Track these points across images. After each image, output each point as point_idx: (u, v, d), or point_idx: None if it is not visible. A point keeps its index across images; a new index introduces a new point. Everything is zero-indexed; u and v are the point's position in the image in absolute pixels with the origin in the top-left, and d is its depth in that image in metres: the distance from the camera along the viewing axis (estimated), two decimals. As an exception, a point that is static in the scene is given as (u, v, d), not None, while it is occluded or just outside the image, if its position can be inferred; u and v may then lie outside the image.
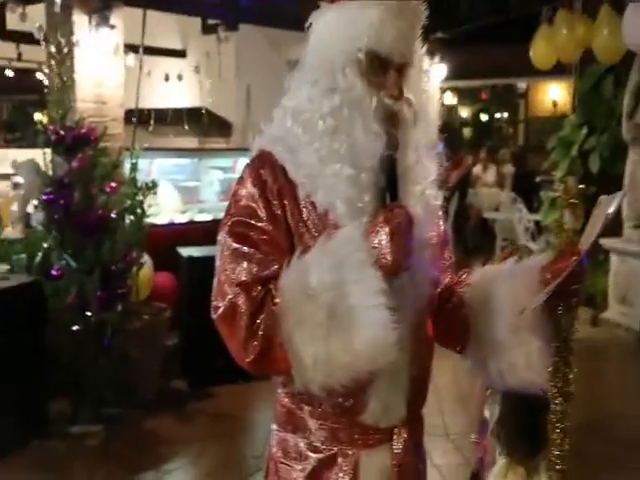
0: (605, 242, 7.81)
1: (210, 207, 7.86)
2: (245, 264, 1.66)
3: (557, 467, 2.04)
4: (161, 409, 5.55)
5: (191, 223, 7.38)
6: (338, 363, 1.54)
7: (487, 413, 3.17)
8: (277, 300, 1.58)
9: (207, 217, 7.57)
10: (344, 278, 1.55)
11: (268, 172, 1.75)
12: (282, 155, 1.76)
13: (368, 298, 1.54)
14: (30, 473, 4.69)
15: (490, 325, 1.85)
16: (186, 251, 6.03)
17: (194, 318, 5.78)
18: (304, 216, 1.74)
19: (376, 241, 1.61)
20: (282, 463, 1.87)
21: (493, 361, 1.87)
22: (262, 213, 1.72)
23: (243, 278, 1.64)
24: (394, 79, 1.73)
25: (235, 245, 1.69)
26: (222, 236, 1.73)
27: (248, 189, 1.75)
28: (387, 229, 1.61)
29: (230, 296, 1.64)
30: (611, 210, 1.73)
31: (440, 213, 1.96)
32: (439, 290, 1.97)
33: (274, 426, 1.92)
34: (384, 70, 1.73)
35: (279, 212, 1.73)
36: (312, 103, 1.74)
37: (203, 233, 6.18)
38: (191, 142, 9.40)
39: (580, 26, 7.35)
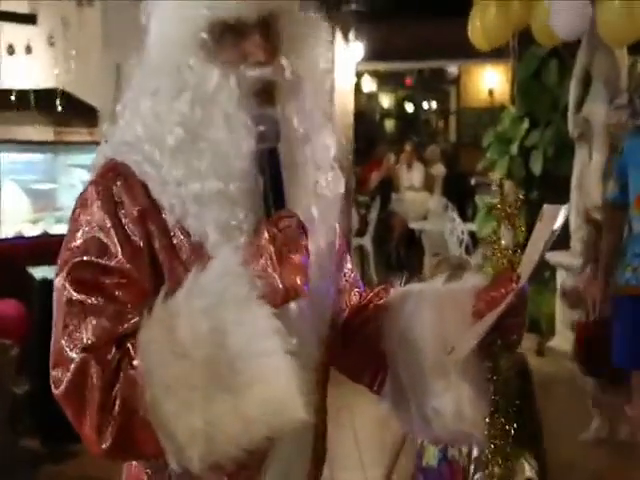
0: (550, 257, 7.90)
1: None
2: (93, 320, 1.53)
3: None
4: (8, 476, 5.41)
5: (45, 236, 7.08)
6: (224, 434, 1.42)
7: (431, 460, 3.19)
8: (135, 363, 1.45)
9: (66, 229, 7.28)
10: (222, 322, 1.44)
11: (123, 189, 1.63)
12: (141, 167, 1.64)
13: (257, 343, 1.44)
14: None
15: (411, 363, 1.82)
16: (39, 272, 5.89)
17: (49, 358, 5.58)
18: (175, 245, 1.64)
19: (259, 266, 1.53)
20: None
21: (416, 406, 1.83)
22: (115, 247, 1.58)
23: (91, 339, 1.51)
24: (256, 42, 1.62)
25: (78, 296, 1.55)
26: (60, 283, 1.59)
27: (95, 215, 1.61)
28: (271, 248, 1.53)
29: (75, 365, 1.49)
30: (556, 225, 1.67)
31: (339, 209, 1.88)
32: (345, 314, 1.95)
33: None
34: (242, 37, 1.64)
35: (140, 243, 1.61)
36: (158, 117, 1.66)
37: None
38: (44, 133, 9.25)
39: (516, 3, 7.45)
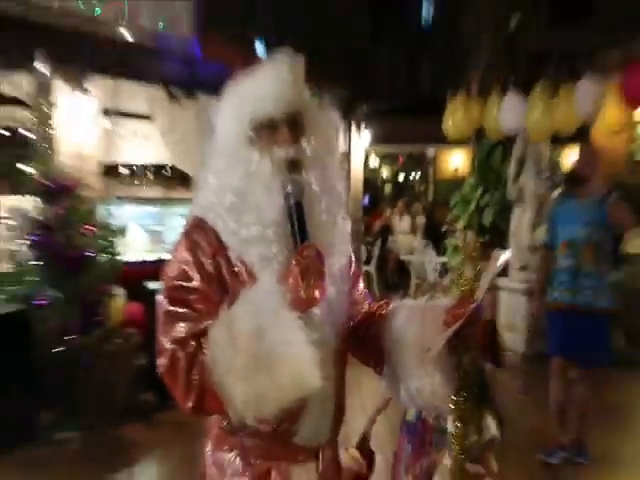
0: (497, 283, 8.01)
1: (174, 248, 7.63)
2: (181, 323, 1.61)
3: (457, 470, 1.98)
4: (131, 418, 5.51)
5: (158, 261, 6.99)
6: (267, 398, 1.47)
7: (410, 416, 3.14)
8: (208, 352, 1.51)
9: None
10: (262, 323, 1.48)
11: (201, 237, 1.70)
12: (214, 221, 1.71)
13: (287, 336, 1.49)
14: (21, 472, 4.64)
15: (402, 356, 1.80)
16: (153, 284, 5.85)
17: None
18: (237, 273, 1.68)
19: (290, 283, 1.56)
20: (218, 479, 1.79)
21: (403, 385, 1.82)
22: (194, 275, 1.66)
23: (179, 335, 1.59)
24: (284, 133, 1.68)
25: (170, 308, 1.64)
26: (160, 299, 1.68)
27: (183, 254, 1.69)
28: (297, 271, 1.56)
29: (169, 353, 1.58)
30: (500, 263, 1.77)
31: (348, 243, 1.89)
32: (359, 317, 1.95)
33: (208, 447, 1.85)
34: (274, 128, 1.69)
35: (212, 271, 1.67)
36: (221, 187, 1.70)
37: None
38: (157, 192, 9.28)
39: (474, 107, 7.50)
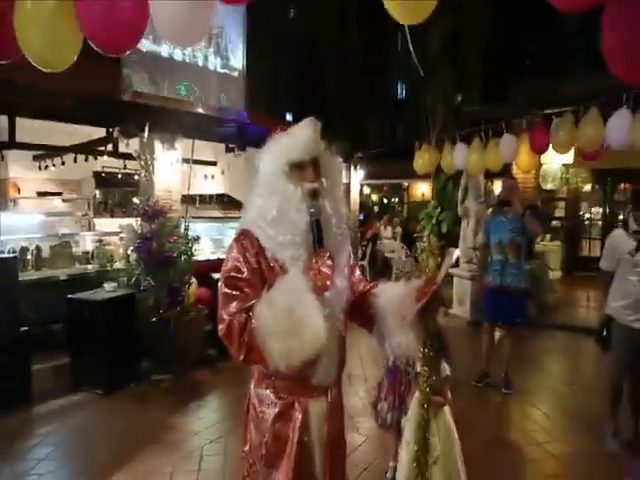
0: (451, 271, 7.83)
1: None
2: (234, 301, 1.60)
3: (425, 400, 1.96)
4: (202, 366, 5.47)
5: (219, 260, 7.06)
6: (295, 354, 1.48)
7: (389, 363, 3.13)
8: (254, 321, 1.52)
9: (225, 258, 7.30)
10: (292, 302, 1.49)
11: (248, 242, 1.68)
12: (256, 232, 1.69)
13: (309, 311, 1.49)
14: (129, 402, 4.64)
15: (386, 321, 1.78)
16: (216, 275, 5.77)
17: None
18: (272, 267, 1.66)
19: (311, 275, 1.57)
20: (258, 407, 1.79)
21: (387, 340, 1.79)
22: (244, 269, 1.65)
23: (233, 310, 1.59)
24: (309, 172, 1.69)
25: (228, 290, 1.63)
26: (220, 284, 1.66)
27: (235, 254, 1.68)
28: (316, 266, 1.58)
29: (226, 322, 1.58)
30: (453, 258, 1.84)
31: (349, 246, 1.86)
32: (357, 294, 1.92)
33: (252, 385, 1.84)
34: (302, 167, 1.69)
35: (256, 266, 1.66)
36: (264, 206, 1.69)
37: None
38: (218, 213, 9.29)
39: (433, 152, 7.49)
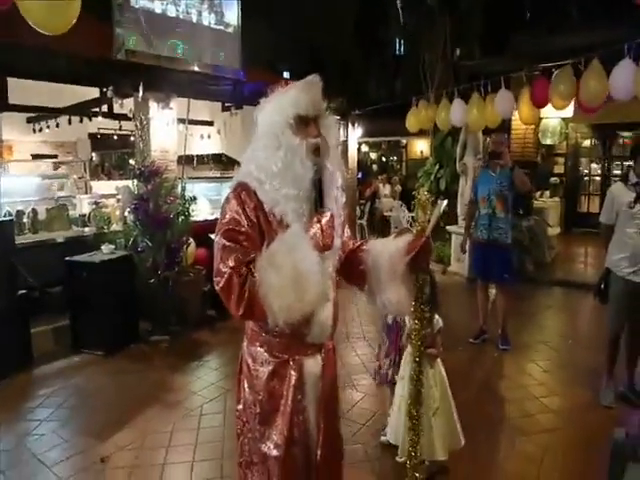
0: (449, 228, 7.85)
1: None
2: (234, 254, 1.55)
3: (416, 358, 1.92)
4: (201, 327, 5.45)
5: (215, 220, 6.89)
6: (295, 309, 1.46)
7: (388, 320, 3.09)
8: (255, 275, 1.48)
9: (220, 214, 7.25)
10: (295, 257, 1.45)
11: (245, 195, 1.61)
12: (253, 184, 1.62)
13: (311, 267, 1.47)
14: (129, 362, 4.64)
15: (377, 277, 1.74)
16: (212, 235, 5.73)
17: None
18: (270, 221, 1.60)
19: (312, 232, 1.58)
20: (252, 366, 1.75)
21: (379, 297, 1.76)
22: (243, 222, 1.59)
23: (232, 263, 1.53)
24: (312, 127, 1.65)
25: (227, 243, 1.57)
26: (217, 237, 1.61)
27: (233, 206, 1.61)
28: (319, 225, 1.60)
29: (226, 275, 1.53)
30: (441, 209, 1.73)
31: (344, 204, 1.81)
32: (347, 252, 1.86)
33: (245, 342, 1.79)
34: (307, 123, 1.65)
35: (254, 220, 1.60)
36: (267, 159, 1.61)
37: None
38: (216, 172, 9.20)
39: (431, 109, 7.33)
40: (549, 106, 5.74)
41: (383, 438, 3.14)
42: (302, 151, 1.61)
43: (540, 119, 9.24)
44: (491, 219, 4.70)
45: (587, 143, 11.79)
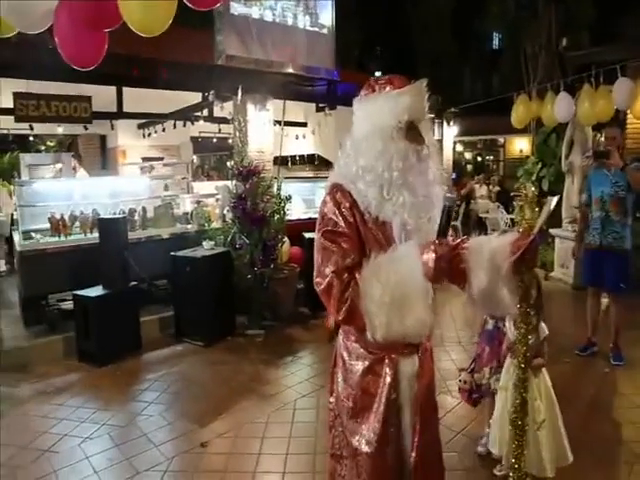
0: (552, 231, 7.39)
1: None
2: (334, 256, 1.53)
3: (521, 366, 1.78)
4: (294, 323, 5.55)
5: (310, 219, 7.04)
6: (394, 330, 1.45)
7: (489, 326, 2.94)
8: (360, 285, 1.45)
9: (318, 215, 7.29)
10: (404, 278, 1.43)
11: (341, 196, 1.58)
12: (348, 185, 1.59)
13: (418, 294, 1.44)
14: (226, 354, 4.80)
15: (479, 275, 1.58)
16: (308, 234, 5.76)
17: (312, 271, 5.65)
18: (366, 220, 1.57)
19: (425, 258, 1.46)
20: (347, 360, 1.72)
21: (480, 297, 1.60)
22: (341, 222, 1.56)
23: (334, 267, 1.52)
24: (418, 132, 1.60)
25: (327, 244, 1.56)
26: (318, 238, 1.60)
27: (330, 207, 1.59)
28: (433, 255, 1.45)
29: (328, 278, 1.52)
30: (551, 207, 1.57)
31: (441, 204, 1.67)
32: (447, 249, 1.70)
33: (341, 336, 1.76)
34: (413, 128, 1.59)
35: (352, 220, 1.56)
36: (376, 160, 1.56)
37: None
38: (310, 172, 9.33)
39: (534, 104, 6.92)
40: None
41: (480, 449, 3.01)
42: (410, 155, 1.57)
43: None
44: (604, 223, 4.29)
45: None
